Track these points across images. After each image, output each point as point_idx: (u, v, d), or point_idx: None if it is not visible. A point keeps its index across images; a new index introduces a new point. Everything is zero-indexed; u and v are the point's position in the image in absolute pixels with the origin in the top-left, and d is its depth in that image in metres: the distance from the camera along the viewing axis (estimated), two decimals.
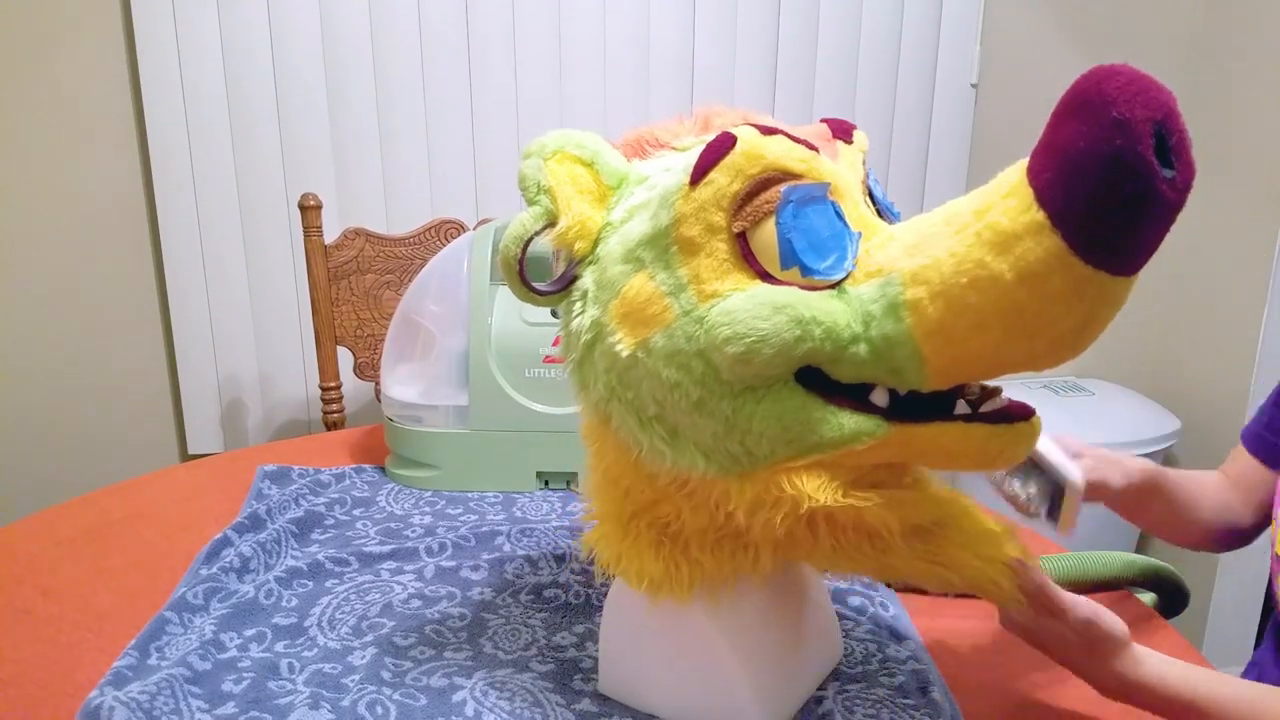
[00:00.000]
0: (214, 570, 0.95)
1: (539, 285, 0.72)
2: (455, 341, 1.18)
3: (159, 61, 1.63)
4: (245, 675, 0.81)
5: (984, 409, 0.64)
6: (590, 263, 0.70)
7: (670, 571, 0.71)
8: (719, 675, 0.74)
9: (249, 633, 0.87)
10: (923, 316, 0.59)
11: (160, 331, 1.79)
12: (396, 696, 0.79)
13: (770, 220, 0.62)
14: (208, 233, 1.71)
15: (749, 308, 0.61)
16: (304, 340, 1.79)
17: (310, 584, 0.96)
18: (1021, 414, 0.64)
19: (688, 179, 0.64)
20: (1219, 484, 1.03)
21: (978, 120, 1.99)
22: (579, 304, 0.70)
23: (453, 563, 1.01)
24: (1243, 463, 1.03)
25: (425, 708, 0.78)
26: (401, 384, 1.21)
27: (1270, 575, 0.93)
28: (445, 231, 1.64)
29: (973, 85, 1.97)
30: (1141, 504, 0.97)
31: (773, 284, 0.63)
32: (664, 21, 1.80)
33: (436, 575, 0.99)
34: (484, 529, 1.08)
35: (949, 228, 0.59)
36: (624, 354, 0.66)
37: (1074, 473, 0.83)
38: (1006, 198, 0.56)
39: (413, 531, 1.08)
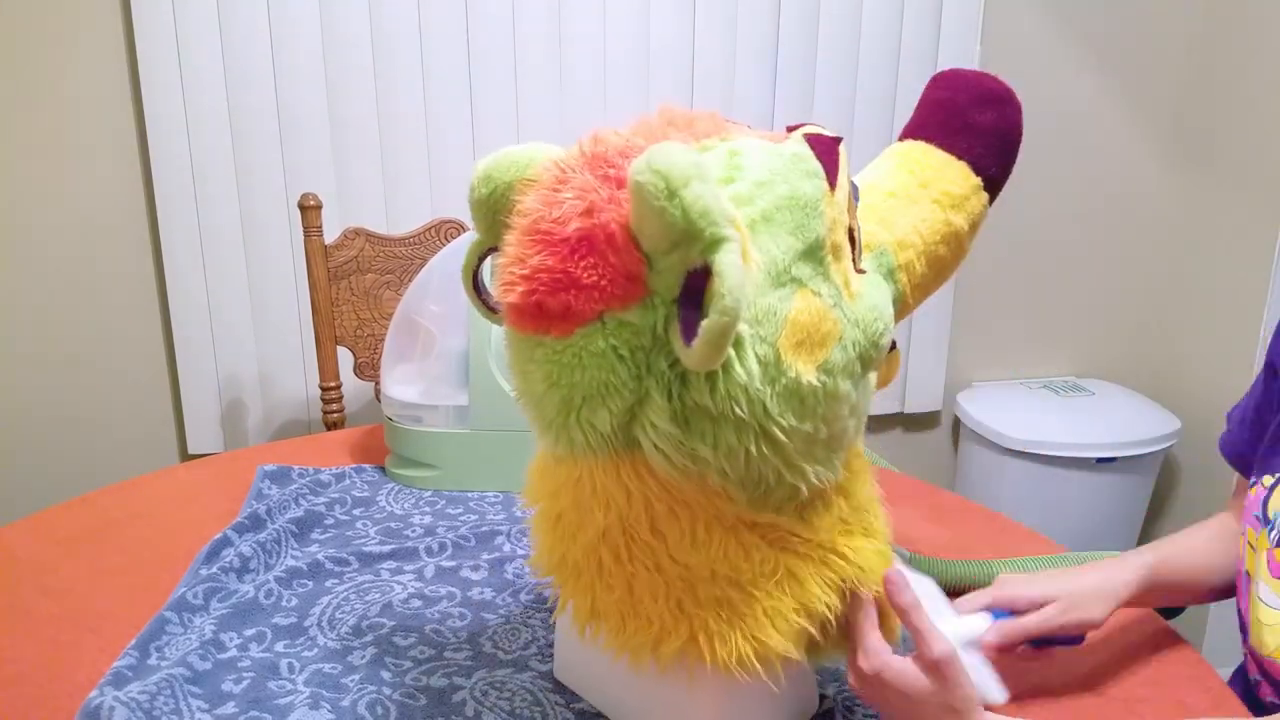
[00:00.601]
0: (214, 570, 0.95)
1: (498, 304, 0.72)
2: (455, 341, 1.18)
3: (159, 61, 1.63)
4: (245, 675, 0.81)
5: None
6: (654, 308, 0.58)
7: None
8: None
9: (249, 633, 0.87)
10: (913, 274, 0.73)
11: (160, 331, 1.79)
12: (396, 696, 0.79)
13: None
14: (208, 232, 1.71)
15: (882, 298, 0.69)
16: (304, 340, 1.79)
17: (310, 584, 0.96)
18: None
19: (825, 184, 0.63)
20: (1223, 532, 0.93)
21: None
22: (734, 355, 0.58)
23: (453, 563, 1.01)
24: (1237, 484, 0.95)
25: (425, 707, 0.78)
26: (401, 384, 1.21)
27: (1236, 592, 0.90)
28: (445, 231, 1.64)
29: None
30: (1145, 602, 0.88)
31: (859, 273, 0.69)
32: (664, 22, 1.80)
33: (436, 575, 0.99)
34: (484, 529, 1.08)
35: (903, 201, 0.74)
36: (809, 384, 0.61)
37: (994, 692, 0.71)
38: (944, 170, 0.75)
39: (413, 531, 1.08)
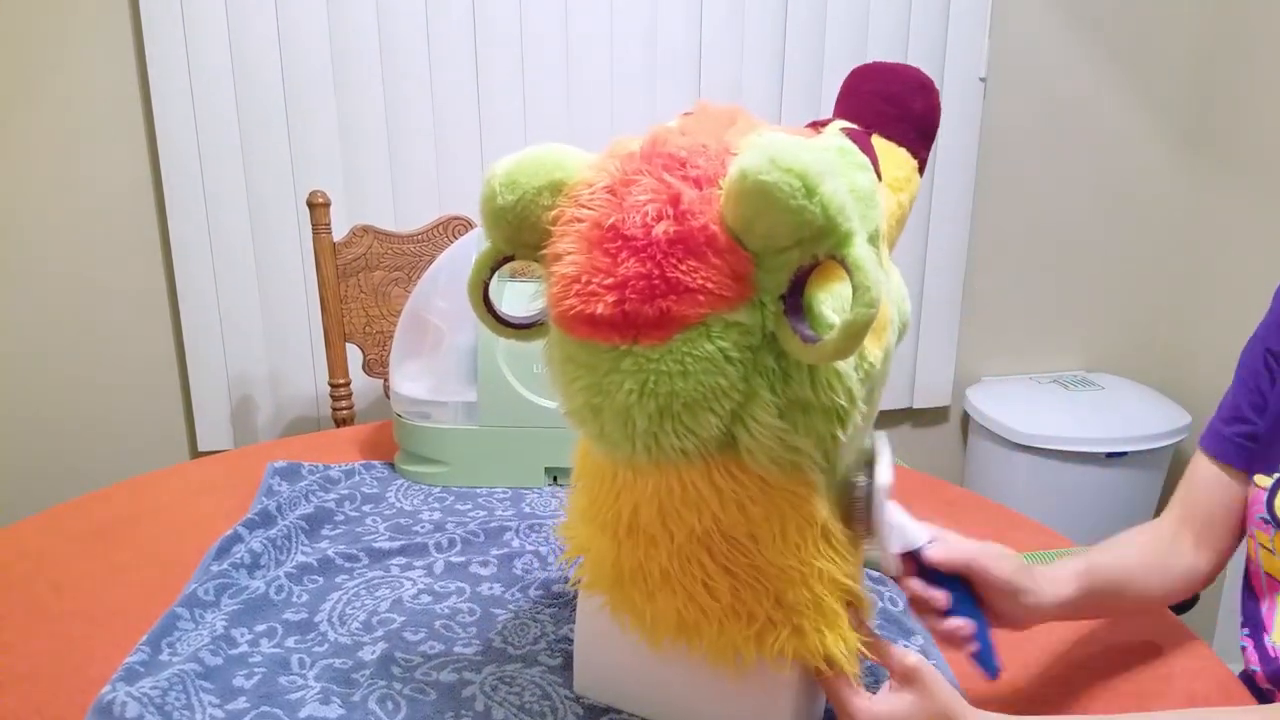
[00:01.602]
0: (225, 566, 0.95)
1: (510, 317, 0.70)
2: (464, 338, 1.18)
3: (168, 60, 1.63)
4: (256, 670, 0.81)
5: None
6: (761, 305, 0.60)
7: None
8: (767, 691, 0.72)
9: (260, 628, 0.87)
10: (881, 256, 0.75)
11: (170, 329, 1.80)
12: (406, 691, 0.79)
13: None
14: (217, 230, 1.71)
15: (899, 279, 0.72)
16: (313, 337, 1.79)
17: (320, 580, 0.97)
18: None
19: (875, 176, 0.66)
20: (1157, 538, 0.90)
21: (986, 114, 1.98)
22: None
23: (462, 558, 1.02)
24: (1201, 481, 0.91)
25: (435, 702, 0.78)
26: (410, 380, 1.21)
27: (1254, 593, 0.90)
28: (453, 228, 1.64)
29: (981, 79, 1.96)
30: (1076, 611, 0.83)
31: None
32: (671, 17, 1.79)
33: (446, 571, 0.99)
34: (493, 525, 1.08)
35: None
36: (879, 368, 0.64)
37: (917, 533, 0.74)
38: (889, 156, 0.76)
39: (422, 527, 1.08)
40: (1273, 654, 0.84)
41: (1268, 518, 0.84)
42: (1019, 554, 0.78)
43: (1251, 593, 0.90)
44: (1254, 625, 0.88)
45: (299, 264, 1.76)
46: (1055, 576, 0.80)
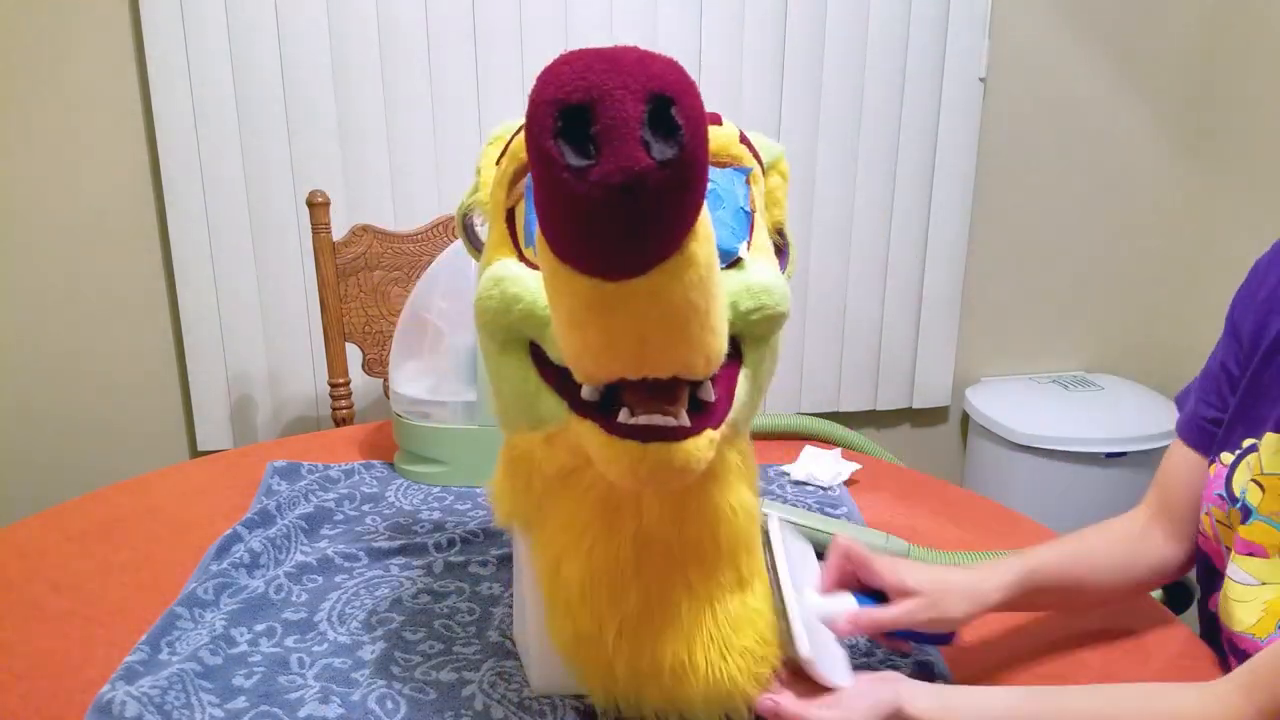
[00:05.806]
0: (224, 566, 0.95)
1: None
2: (463, 337, 1.18)
3: (167, 59, 1.63)
4: (256, 670, 0.81)
5: (625, 420, 0.59)
6: None
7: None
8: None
9: (259, 628, 0.88)
10: None
11: (170, 328, 1.80)
12: (406, 690, 0.80)
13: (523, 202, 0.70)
14: (216, 230, 1.72)
15: (484, 276, 0.68)
16: (313, 337, 1.79)
17: (320, 579, 0.97)
18: (658, 436, 0.58)
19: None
20: (1127, 533, 0.92)
21: (986, 115, 1.98)
22: None
23: (461, 558, 1.02)
24: (1180, 471, 0.91)
25: (435, 701, 0.78)
26: (410, 380, 1.21)
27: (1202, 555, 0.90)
28: (453, 228, 1.64)
29: (981, 79, 1.96)
30: (1031, 605, 0.87)
31: (523, 261, 0.68)
32: (671, 20, 1.79)
33: (445, 570, 1.00)
34: (492, 524, 1.08)
35: None
36: None
37: (841, 676, 0.71)
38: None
39: (421, 527, 1.09)
40: (1224, 630, 0.85)
41: (1224, 494, 0.84)
42: (932, 557, 0.88)
43: (1207, 567, 0.90)
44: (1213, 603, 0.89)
45: (299, 264, 1.76)
46: (983, 585, 0.80)
